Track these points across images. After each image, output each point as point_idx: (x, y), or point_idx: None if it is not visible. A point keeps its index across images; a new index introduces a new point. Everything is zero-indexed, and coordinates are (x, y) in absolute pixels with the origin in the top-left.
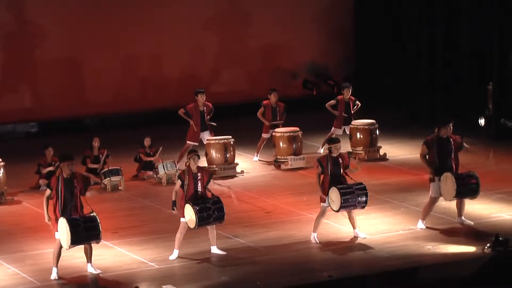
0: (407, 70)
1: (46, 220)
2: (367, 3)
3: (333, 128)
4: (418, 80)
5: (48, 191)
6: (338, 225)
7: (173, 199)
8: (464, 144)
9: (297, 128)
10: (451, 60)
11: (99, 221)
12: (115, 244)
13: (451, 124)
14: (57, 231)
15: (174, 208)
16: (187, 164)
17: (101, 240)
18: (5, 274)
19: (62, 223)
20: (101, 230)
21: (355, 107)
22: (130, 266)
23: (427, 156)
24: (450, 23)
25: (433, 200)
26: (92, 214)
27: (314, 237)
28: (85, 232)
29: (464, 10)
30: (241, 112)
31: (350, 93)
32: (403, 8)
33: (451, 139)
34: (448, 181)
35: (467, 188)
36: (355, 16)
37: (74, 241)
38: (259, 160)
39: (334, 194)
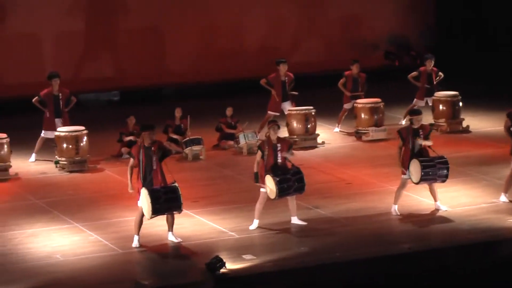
0: (490, 40)
1: (129, 189)
2: None
3: (415, 99)
4: (501, 50)
5: (131, 160)
6: (419, 197)
7: (255, 170)
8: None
9: (379, 99)
10: None
11: (180, 192)
12: (195, 213)
13: None
14: (139, 199)
15: (258, 180)
16: (267, 134)
17: (182, 210)
18: (87, 241)
19: (144, 194)
20: (182, 201)
21: (438, 78)
22: (210, 235)
23: (511, 128)
24: None
25: None
26: (173, 184)
27: (394, 209)
28: (166, 203)
29: None
30: (322, 83)
31: (432, 64)
32: None
33: None
34: None
35: None
36: None
37: (156, 212)
38: (340, 131)
39: (415, 167)
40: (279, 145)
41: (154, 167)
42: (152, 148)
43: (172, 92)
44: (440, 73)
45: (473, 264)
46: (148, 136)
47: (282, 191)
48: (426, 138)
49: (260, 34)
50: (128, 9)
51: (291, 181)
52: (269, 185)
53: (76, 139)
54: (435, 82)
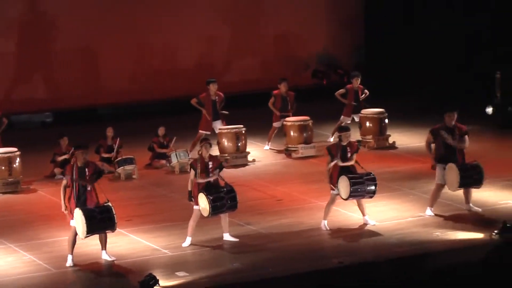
0: (416, 58)
1: (63, 209)
2: None
3: (342, 116)
4: (427, 68)
5: (65, 181)
6: (348, 212)
7: (189, 189)
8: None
9: (307, 117)
10: (459, 50)
11: (114, 212)
12: (129, 231)
13: (455, 113)
14: (72, 219)
15: (192, 199)
16: (200, 152)
17: (116, 229)
18: (21, 261)
19: (78, 214)
20: (116, 221)
21: (363, 95)
22: (143, 253)
23: (432, 145)
24: (458, 13)
25: (439, 187)
26: (107, 204)
27: (324, 224)
28: (101, 223)
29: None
30: (254, 101)
31: (359, 82)
32: None
33: (456, 129)
34: (452, 172)
35: (471, 179)
36: (365, 5)
37: (90, 231)
38: (270, 148)
39: (344, 183)
40: (210, 163)
41: (88, 187)
42: (87, 169)
43: (107, 112)
44: (366, 91)
45: (402, 276)
46: (81, 155)
47: (215, 209)
48: (351, 156)
49: (194, 53)
50: (61, 30)
51: (224, 200)
52: (203, 203)
53: (9, 161)
54: (360, 99)
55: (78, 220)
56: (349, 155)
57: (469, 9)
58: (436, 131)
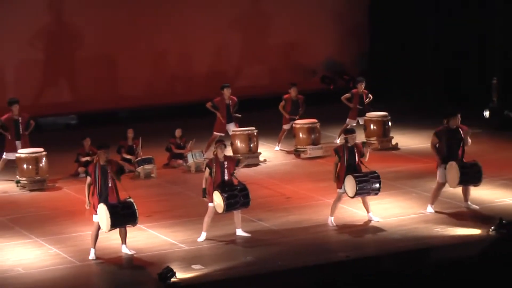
0: (417, 64)
1: (86, 206)
2: (382, 2)
3: (348, 119)
4: (427, 74)
5: (88, 178)
6: (354, 209)
7: (204, 186)
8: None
9: (315, 120)
10: (459, 55)
11: (136, 208)
12: (147, 227)
13: (459, 115)
14: (95, 214)
15: (206, 195)
16: (215, 153)
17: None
18: (47, 254)
19: (103, 209)
20: (137, 215)
21: (368, 99)
22: (161, 247)
23: (437, 145)
24: (457, 18)
25: (440, 185)
26: (129, 200)
27: (331, 220)
28: (123, 218)
29: (472, 4)
30: (263, 105)
31: (363, 87)
32: (412, 9)
33: (459, 129)
34: (453, 170)
35: (470, 176)
36: (369, 15)
37: (113, 225)
38: (280, 149)
39: (350, 182)
40: (226, 162)
41: (109, 184)
42: (109, 167)
43: (126, 115)
44: (370, 95)
45: (405, 269)
46: (103, 154)
47: (229, 206)
48: (362, 155)
49: (207, 60)
50: (83, 39)
51: (237, 197)
52: (217, 201)
53: (36, 160)
54: (365, 103)
55: (102, 215)
56: (355, 155)
57: (472, 13)
58: (439, 133)
